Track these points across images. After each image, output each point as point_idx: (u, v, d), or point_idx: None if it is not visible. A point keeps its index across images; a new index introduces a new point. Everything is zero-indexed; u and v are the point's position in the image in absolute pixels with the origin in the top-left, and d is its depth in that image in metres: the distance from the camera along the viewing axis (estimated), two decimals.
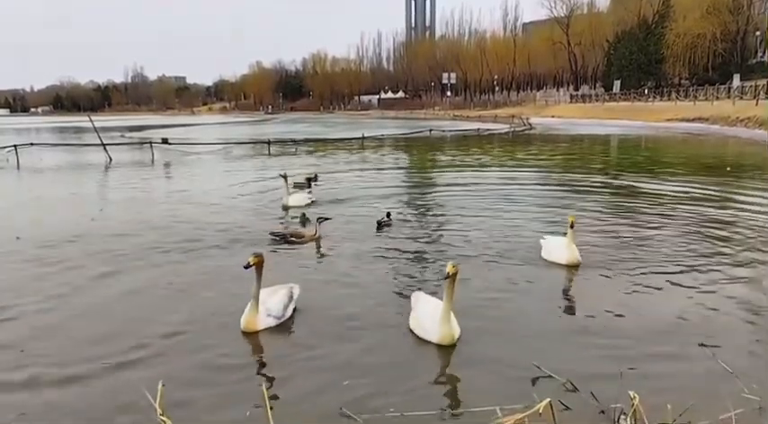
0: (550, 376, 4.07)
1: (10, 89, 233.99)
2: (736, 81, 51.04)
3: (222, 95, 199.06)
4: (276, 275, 6.05)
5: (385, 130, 42.66)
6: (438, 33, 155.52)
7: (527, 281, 6.33)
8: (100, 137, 24.27)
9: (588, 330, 4.99)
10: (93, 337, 4.96)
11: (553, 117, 63.41)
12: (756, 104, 36.80)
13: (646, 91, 63.63)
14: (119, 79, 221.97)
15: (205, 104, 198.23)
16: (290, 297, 5.42)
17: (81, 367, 4.38)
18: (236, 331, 5.02)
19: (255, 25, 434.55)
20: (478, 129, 41.15)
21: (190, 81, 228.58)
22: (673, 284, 6.13)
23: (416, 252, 7.63)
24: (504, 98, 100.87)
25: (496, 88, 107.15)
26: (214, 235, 8.72)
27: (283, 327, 5.17)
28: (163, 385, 3.60)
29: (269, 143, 27.27)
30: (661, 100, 56.50)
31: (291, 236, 8.27)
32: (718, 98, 46.35)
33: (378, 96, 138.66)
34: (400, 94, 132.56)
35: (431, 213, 10.65)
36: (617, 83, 71.37)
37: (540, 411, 3.27)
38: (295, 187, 12.53)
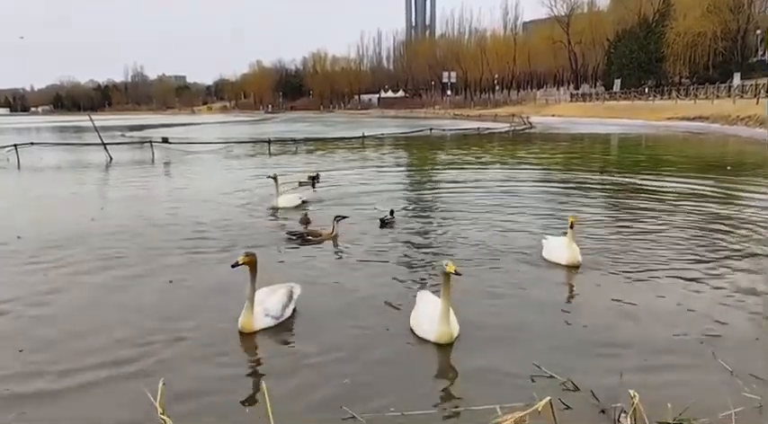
0: (551, 376, 4.06)
1: (10, 88, 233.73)
2: (737, 80, 50.98)
3: (222, 94, 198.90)
4: (276, 274, 6.06)
5: (385, 129, 42.68)
6: (438, 32, 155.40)
7: (527, 281, 6.33)
8: (100, 137, 24.30)
9: (588, 329, 4.99)
10: (94, 336, 4.96)
11: (553, 116, 63.30)
12: (757, 103, 36.70)
13: (646, 89, 63.51)
14: (119, 78, 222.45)
15: (205, 103, 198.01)
16: (290, 297, 5.37)
17: (81, 366, 4.38)
18: (236, 330, 5.01)
19: (255, 25, 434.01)
20: (479, 128, 41.11)
21: (190, 80, 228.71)
22: (673, 284, 6.13)
23: (419, 251, 7.64)
24: (504, 97, 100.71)
25: (497, 87, 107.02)
26: (214, 234, 8.74)
27: (282, 327, 5.16)
28: (163, 384, 3.60)
29: (269, 142, 27.27)
30: (661, 98, 56.39)
31: (309, 235, 8.26)
32: (718, 97, 46.27)
33: (378, 95, 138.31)
34: (400, 93, 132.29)
35: (432, 211, 10.67)
36: (617, 82, 71.26)
37: (540, 410, 3.26)
38: (300, 185, 12.55)
